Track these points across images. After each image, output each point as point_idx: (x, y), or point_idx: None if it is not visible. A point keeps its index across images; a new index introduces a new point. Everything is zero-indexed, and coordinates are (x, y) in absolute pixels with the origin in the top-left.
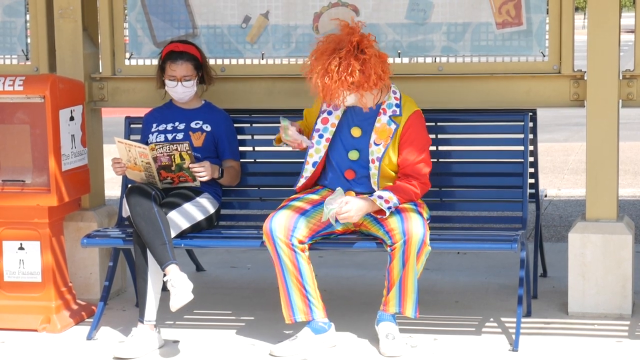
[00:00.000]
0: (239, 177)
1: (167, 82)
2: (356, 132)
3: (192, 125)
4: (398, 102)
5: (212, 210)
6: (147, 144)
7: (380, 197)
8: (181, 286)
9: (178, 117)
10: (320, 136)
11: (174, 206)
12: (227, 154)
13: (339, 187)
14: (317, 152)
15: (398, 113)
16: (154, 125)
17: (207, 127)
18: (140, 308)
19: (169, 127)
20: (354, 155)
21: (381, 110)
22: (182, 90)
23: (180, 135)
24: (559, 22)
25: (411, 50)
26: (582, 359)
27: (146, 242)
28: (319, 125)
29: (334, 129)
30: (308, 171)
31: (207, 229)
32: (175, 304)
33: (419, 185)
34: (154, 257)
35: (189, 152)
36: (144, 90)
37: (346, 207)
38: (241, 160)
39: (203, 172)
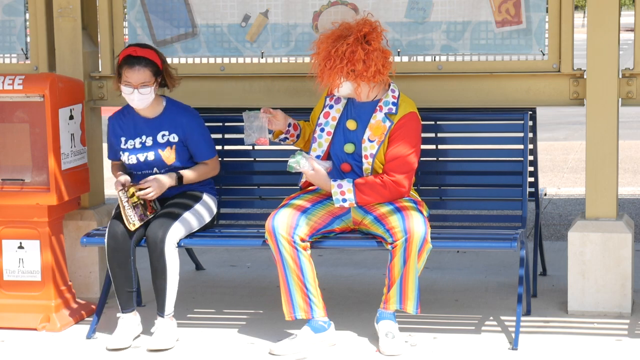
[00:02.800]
0: (215, 171)
1: (123, 88)
2: (351, 124)
3: (159, 139)
4: (395, 100)
5: (214, 207)
6: (117, 159)
7: (339, 185)
8: (121, 333)
9: (143, 130)
10: (322, 130)
11: (175, 216)
12: (199, 157)
13: (303, 154)
14: (319, 146)
15: (394, 111)
16: (123, 139)
17: (174, 137)
18: (160, 304)
19: (137, 143)
20: (349, 148)
21: (377, 108)
22: (139, 97)
23: (151, 156)
24: (558, 21)
25: (411, 49)
26: (581, 357)
27: (115, 284)
28: (321, 120)
29: (334, 123)
30: None
31: (209, 227)
32: (109, 344)
33: (391, 185)
34: (118, 300)
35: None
36: None
37: (310, 175)
38: (241, 159)
39: (151, 191)
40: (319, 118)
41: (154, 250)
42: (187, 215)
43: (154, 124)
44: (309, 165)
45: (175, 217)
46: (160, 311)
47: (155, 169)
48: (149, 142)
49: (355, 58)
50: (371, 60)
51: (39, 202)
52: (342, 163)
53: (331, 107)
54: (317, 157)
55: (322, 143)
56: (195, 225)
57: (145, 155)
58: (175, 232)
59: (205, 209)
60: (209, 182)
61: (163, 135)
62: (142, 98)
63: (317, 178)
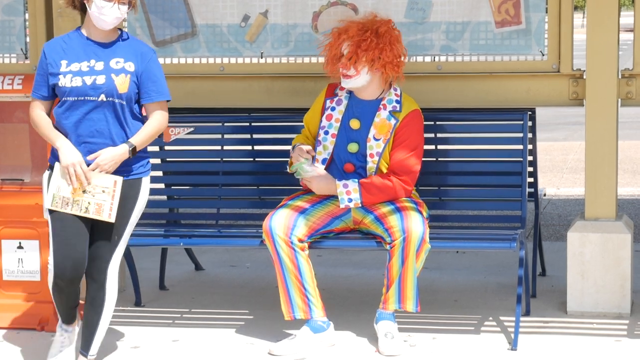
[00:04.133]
0: (165, 123)
1: (98, 2)
2: (355, 124)
3: (112, 64)
4: (398, 98)
5: (148, 187)
6: (51, 91)
7: (345, 185)
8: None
9: (95, 53)
10: (326, 132)
11: (118, 235)
12: (155, 95)
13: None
14: (324, 149)
15: (398, 109)
16: (64, 63)
17: (130, 66)
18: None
19: (84, 67)
20: (353, 147)
21: (381, 106)
22: (116, 15)
23: (101, 79)
24: (558, 21)
25: (410, 49)
26: (581, 358)
27: (57, 305)
28: (324, 122)
29: (338, 124)
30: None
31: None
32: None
33: (398, 184)
34: (59, 312)
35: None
36: None
37: (314, 179)
38: (240, 159)
39: (107, 163)
40: (321, 121)
41: (95, 281)
42: (129, 227)
43: (107, 49)
44: (313, 170)
45: (118, 236)
46: (85, 349)
47: (102, 96)
48: (100, 66)
49: (392, 39)
50: (396, 50)
51: (39, 202)
52: (345, 163)
53: (333, 109)
54: (324, 160)
55: (327, 146)
56: (130, 232)
57: (93, 79)
58: (117, 259)
59: (143, 201)
60: (145, 156)
61: (117, 62)
62: (117, 16)
63: (322, 182)
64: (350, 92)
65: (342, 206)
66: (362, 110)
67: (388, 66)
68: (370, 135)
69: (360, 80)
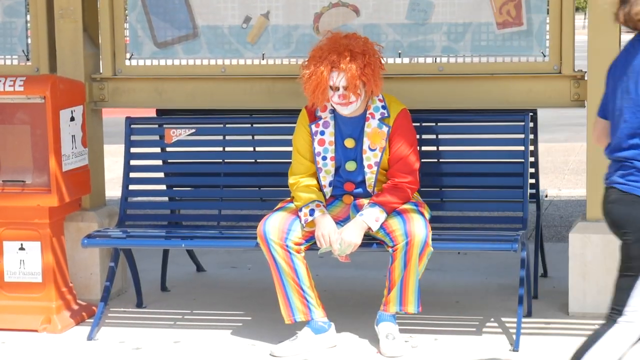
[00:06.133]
0: None
1: None
2: (350, 142)
3: None
4: (383, 103)
5: None
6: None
7: (376, 219)
8: None
9: None
10: (324, 158)
11: None
12: None
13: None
14: (328, 174)
15: (386, 114)
16: None
17: None
18: None
19: None
20: (351, 166)
21: (369, 115)
22: None
23: None
24: (559, 22)
25: (411, 51)
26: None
27: None
28: (318, 149)
29: (333, 147)
30: (328, 194)
31: None
32: None
33: (405, 187)
34: None
35: None
36: (144, 91)
37: (348, 240)
38: (242, 160)
39: None
40: (314, 147)
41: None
42: None
43: None
44: (338, 238)
45: None
46: None
47: None
48: None
49: (375, 53)
50: (380, 59)
51: (40, 204)
52: (345, 183)
53: (322, 132)
54: (331, 182)
55: (329, 170)
56: None
57: None
58: None
59: None
60: None
61: None
62: None
63: (352, 232)
64: (333, 112)
65: (375, 230)
66: (352, 127)
67: (379, 82)
68: (365, 147)
69: (360, 101)
